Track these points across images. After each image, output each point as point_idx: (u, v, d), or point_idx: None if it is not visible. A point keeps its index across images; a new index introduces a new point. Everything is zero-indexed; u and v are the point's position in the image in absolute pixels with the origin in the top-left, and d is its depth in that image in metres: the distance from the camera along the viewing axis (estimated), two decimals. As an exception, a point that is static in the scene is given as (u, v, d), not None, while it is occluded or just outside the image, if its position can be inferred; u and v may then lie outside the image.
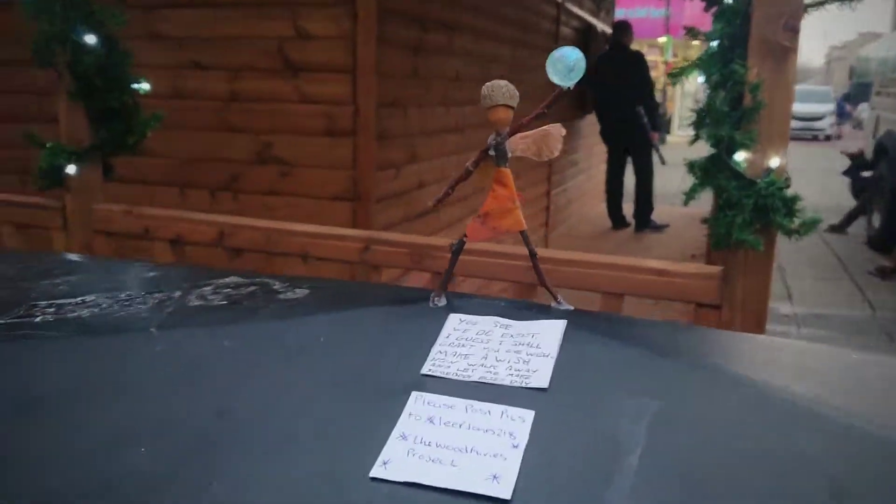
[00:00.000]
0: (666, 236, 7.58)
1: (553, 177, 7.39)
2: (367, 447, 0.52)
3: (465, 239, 0.86)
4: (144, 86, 2.09)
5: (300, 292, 0.82)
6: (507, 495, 0.51)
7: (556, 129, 0.88)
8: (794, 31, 1.54)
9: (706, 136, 1.61)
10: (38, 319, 0.71)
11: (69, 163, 2.00)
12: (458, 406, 0.59)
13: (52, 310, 0.72)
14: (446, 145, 4.76)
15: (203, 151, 4.05)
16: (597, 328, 0.75)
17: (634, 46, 7.95)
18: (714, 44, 1.61)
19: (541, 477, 0.51)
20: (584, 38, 7.93)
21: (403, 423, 0.56)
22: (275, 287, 0.83)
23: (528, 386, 0.63)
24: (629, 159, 7.82)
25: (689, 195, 1.61)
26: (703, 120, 1.61)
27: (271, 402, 0.56)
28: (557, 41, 7.12)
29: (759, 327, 1.65)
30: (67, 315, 0.71)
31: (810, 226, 1.59)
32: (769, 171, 1.58)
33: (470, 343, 0.69)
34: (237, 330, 0.69)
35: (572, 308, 0.86)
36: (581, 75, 0.80)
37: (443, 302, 0.82)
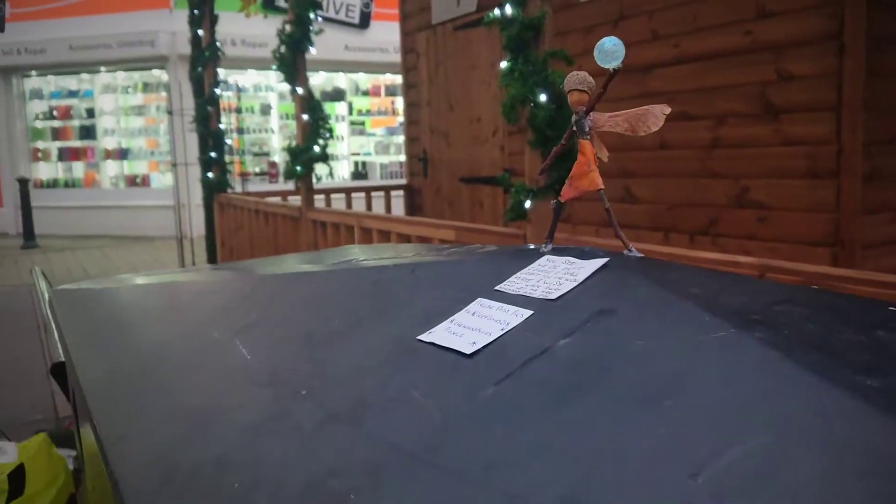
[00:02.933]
0: None
1: None
2: (433, 324, 0.78)
3: (560, 199, 0.98)
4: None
5: (494, 247, 1.05)
6: (468, 352, 0.72)
7: (659, 109, 0.92)
8: None
9: None
10: (350, 263, 1.10)
11: (528, 199, 2.49)
12: (494, 307, 0.82)
13: (361, 262, 1.11)
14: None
15: (684, 197, 4.27)
16: (639, 268, 0.86)
17: None
18: None
19: (498, 346, 0.71)
20: None
21: (458, 314, 0.78)
22: (486, 247, 1.09)
23: (546, 297, 0.80)
24: None
25: None
26: None
27: (402, 300, 0.83)
28: None
29: None
30: (367, 264, 1.10)
31: None
32: None
33: (538, 273, 0.85)
34: (430, 266, 0.97)
35: (641, 255, 0.96)
36: (619, 57, 0.85)
37: (549, 248, 1.02)
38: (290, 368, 0.73)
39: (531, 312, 0.75)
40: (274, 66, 4.45)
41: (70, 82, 14.39)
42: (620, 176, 4.64)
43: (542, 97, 2.34)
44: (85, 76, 14.23)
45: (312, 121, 4.33)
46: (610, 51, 0.89)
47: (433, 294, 0.82)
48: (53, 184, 14.47)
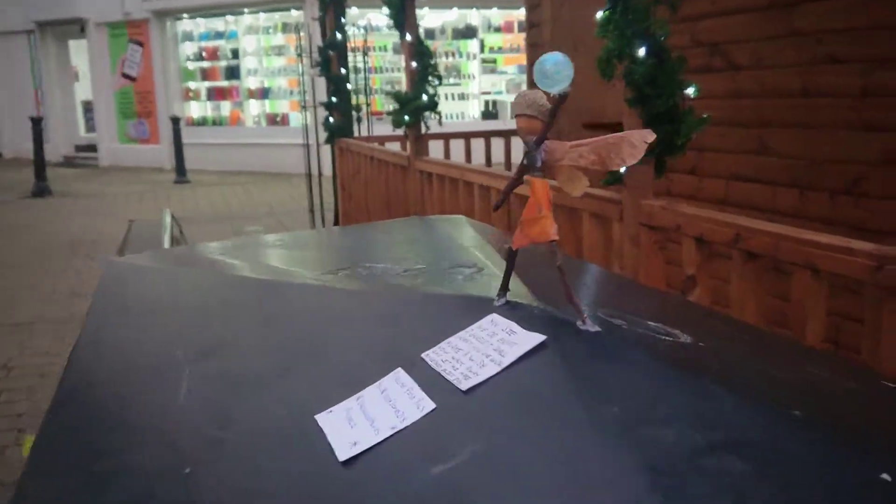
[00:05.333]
0: None
1: None
2: (344, 396, 0.65)
3: (513, 247, 0.82)
4: (690, 90, 2.19)
5: (470, 280, 0.91)
6: (342, 458, 0.63)
7: (636, 137, 0.71)
8: None
9: None
10: (337, 274, 1.00)
11: (625, 162, 2.27)
12: (406, 387, 0.70)
13: (352, 271, 1.00)
14: None
15: (827, 151, 3.81)
16: (577, 353, 0.68)
17: None
18: None
19: (378, 454, 0.60)
20: None
21: (367, 390, 0.67)
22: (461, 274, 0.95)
23: (458, 385, 0.68)
24: None
25: None
26: None
27: (338, 346, 0.73)
28: None
29: None
30: (352, 274, 0.99)
31: None
32: None
33: (473, 340, 0.72)
34: (390, 300, 0.85)
35: (597, 330, 0.77)
36: (564, 80, 0.64)
37: (502, 302, 0.86)
38: (200, 427, 0.67)
39: (433, 407, 0.65)
40: (383, 11, 4.35)
41: (217, 24, 15.03)
42: (756, 125, 4.21)
43: (641, 51, 2.10)
44: (230, 18, 14.80)
45: (420, 68, 4.22)
46: (550, 72, 0.71)
47: (368, 343, 0.72)
48: (203, 122, 15.34)
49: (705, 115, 2.20)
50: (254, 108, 15.00)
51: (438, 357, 0.72)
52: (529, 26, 6.51)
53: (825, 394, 0.68)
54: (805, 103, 3.92)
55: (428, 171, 4.24)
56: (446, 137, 6.35)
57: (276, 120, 14.76)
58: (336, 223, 7.54)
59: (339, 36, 6.11)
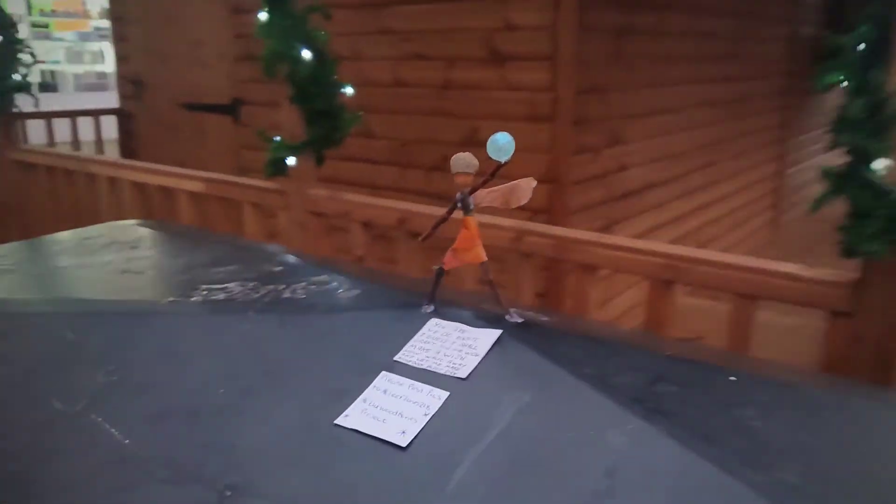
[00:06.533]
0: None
1: (788, 156, 6.94)
2: (342, 404, 0.78)
3: (443, 267, 1.09)
4: (348, 90, 2.47)
5: (353, 292, 1.09)
6: (403, 444, 0.75)
7: (526, 183, 1.06)
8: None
9: (843, 143, 1.60)
10: (192, 299, 1.04)
11: (289, 155, 2.46)
12: (405, 384, 0.84)
13: (202, 294, 1.05)
14: (653, 127, 4.73)
15: (420, 134, 4.46)
16: (527, 339, 0.94)
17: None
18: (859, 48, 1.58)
19: (430, 435, 0.74)
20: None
21: (367, 392, 0.82)
22: (340, 288, 1.11)
23: (455, 375, 0.86)
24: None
25: (818, 203, 1.61)
26: (841, 127, 1.60)
27: (287, 366, 0.84)
28: (797, 6, 6.60)
29: (893, 339, 1.62)
30: (209, 298, 1.04)
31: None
32: (910, 181, 1.54)
33: (433, 341, 0.94)
34: (299, 318, 0.98)
35: (521, 321, 1.06)
36: (509, 153, 0.98)
37: (431, 309, 1.08)
38: (192, 457, 0.68)
39: (448, 394, 0.79)
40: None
41: None
42: (358, 111, 4.68)
43: (306, 54, 2.29)
44: None
45: (4, 42, 3.69)
46: (503, 147, 0.95)
47: (322, 360, 0.82)
48: None
49: (358, 114, 2.49)
50: None
51: (413, 358, 0.85)
52: (114, -1, 6.04)
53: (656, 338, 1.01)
54: (398, 92, 4.52)
55: (30, 161, 3.77)
56: (22, 117, 5.58)
57: None
58: None
59: None
